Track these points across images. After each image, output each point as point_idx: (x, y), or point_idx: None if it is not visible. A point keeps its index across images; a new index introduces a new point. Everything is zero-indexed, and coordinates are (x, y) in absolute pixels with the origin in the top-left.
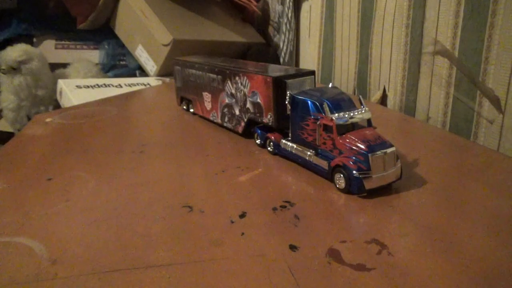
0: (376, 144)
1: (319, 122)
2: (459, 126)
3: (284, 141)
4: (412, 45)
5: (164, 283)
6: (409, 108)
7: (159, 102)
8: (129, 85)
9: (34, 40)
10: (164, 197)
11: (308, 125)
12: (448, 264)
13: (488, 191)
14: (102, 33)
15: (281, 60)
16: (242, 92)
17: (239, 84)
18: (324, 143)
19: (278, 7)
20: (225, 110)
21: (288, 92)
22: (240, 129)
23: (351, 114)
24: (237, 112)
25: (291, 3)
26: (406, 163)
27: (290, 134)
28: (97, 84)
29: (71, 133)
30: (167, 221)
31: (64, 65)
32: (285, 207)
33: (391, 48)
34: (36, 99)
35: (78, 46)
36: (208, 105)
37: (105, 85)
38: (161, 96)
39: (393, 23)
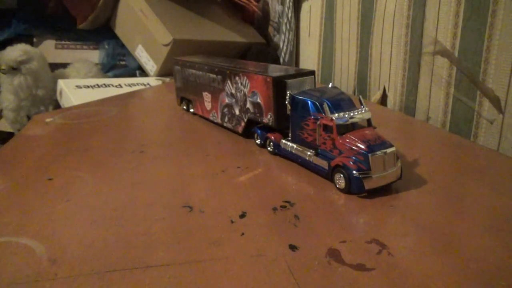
0: (376, 144)
1: (319, 122)
2: (459, 126)
3: (284, 141)
4: (412, 45)
5: (164, 283)
6: (409, 108)
7: (159, 102)
8: (129, 85)
9: (34, 40)
10: (164, 197)
11: (308, 125)
12: (448, 264)
13: (488, 191)
14: (102, 33)
15: (281, 60)
16: (242, 92)
17: (239, 84)
18: (324, 143)
19: (278, 7)
20: (225, 110)
21: (288, 92)
22: (240, 129)
23: (351, 114)
24: (237, 112)
25: (291, 3)
26: (406, 163)
27: (290, 134)
28: (97, 84)
29: (71, 133)
30: (167, 221)
31: (64, 65)
32: (285, 207)
33: (391, 48)
34: (36, 99)
35: (78, 46)
36: (208, 105)
37: (105, 85)
38: (161, 96)
39: (393, 23)
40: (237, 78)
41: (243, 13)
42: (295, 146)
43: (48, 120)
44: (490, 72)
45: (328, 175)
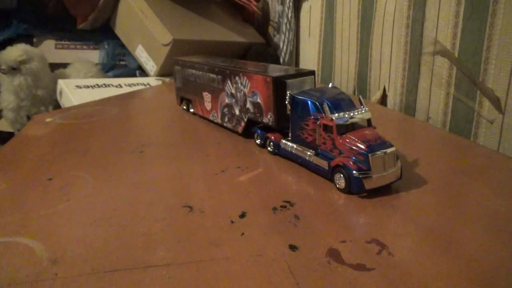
0: (376, 144)
1: (319, 122)
2: (459, 126)
3: (284, 141)
4: (412, 45)
5: (164, 283)
6: (409, 108)
7: (159, 102)
8: (129, 85)
9: (34, 40)
10: (164, 197)
11: (308, 125)
12: (448, 264)
13: (488, 191)
14: (102, 33)
15: (281, 60)
16: (242, 92)
17: (239, 84)
18: (324, 143)
19: (278, 7)
20: (225, 110)
21: (288, 92)
22: (240, 129)
23: (351, 114)
24: (237, 112)
25: (291, 3)
26: (406, 163)
27: (290, 134)
28: (97, 84)
29: (71, 133)
30: (167, 221)
31: (64, 65)
32: (285, 207)
33: (391, 48)
34: (36, 99)
35: (78, 46)
36: (208, 105)
37: (105, 85)
38: (161, 96)
39: (393, 23)
40: (237, 78)
41: (243, 13)
42: (295, 146)
43: (48, 120)
44: (490, 72)
45: (328, 175)
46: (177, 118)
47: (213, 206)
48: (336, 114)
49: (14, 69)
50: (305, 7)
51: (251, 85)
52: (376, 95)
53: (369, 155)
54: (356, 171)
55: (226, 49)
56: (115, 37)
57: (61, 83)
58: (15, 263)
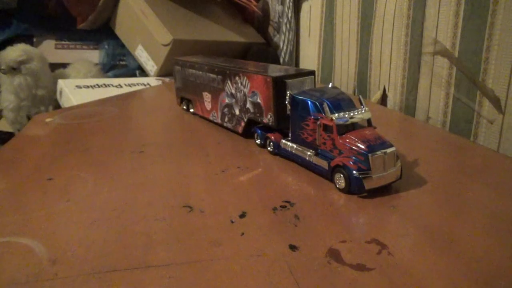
0: (376, 144)
1: (319, 122)
2: (459, 126)
3: (284, 141)
4: (412, 45)
5: (164, 283)
6: (409, 108)
7: (159, 102)
8: (129, 85)
9: (34, 40)
10: (164, 197)
11: (308, 125)
12: (448, 264)
13: (488, 191)
14: (102, 33)
15: (281, 60)
16: (242, 92)
17: (239, 84)
18: (324, 143)
19: (278, 7)
20: (225, 110)
21: (288, 92)
22: (240, 129)
23: (351, 114)
24: (237, 112)
25: (291, 3)
26: (406, 163)
27: (290, 134)
28: (97, 84)
29: (71, 133)
30: (167, 221)
31: (64, 65)
32: (285, 207)
33: (391, 48)
34: (36, 99)
35: (78, 46)
36: (208, 105)
37: (105, 85)
38: (161, 96)
39: (393, 23)
40: (237, 78)
41: (243, 13)
42: (295, 146)
43: (48, 120)
44: (490, 72)
45: (328, 175)
46: (177, 118)
47: (213, 206)
48: (336, 114)
49: (14, 69)
50: (305, 7)
51: (251, 85)
52: (376, 95)
53: (369, 155)
54: (356, 171)
55: (226, 49)
56: (115, 37)
57: (61, 83)
58: (15, 263)
